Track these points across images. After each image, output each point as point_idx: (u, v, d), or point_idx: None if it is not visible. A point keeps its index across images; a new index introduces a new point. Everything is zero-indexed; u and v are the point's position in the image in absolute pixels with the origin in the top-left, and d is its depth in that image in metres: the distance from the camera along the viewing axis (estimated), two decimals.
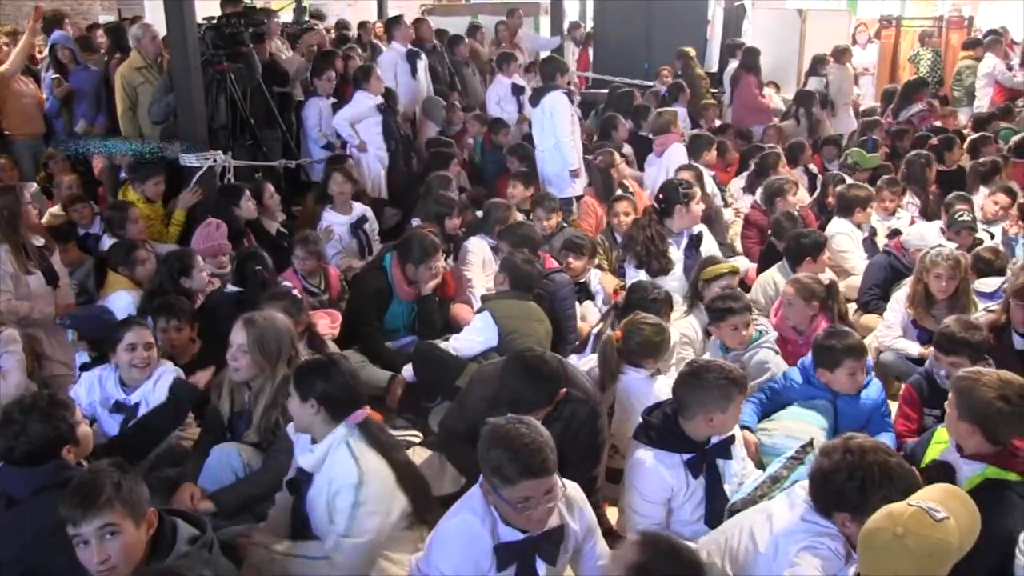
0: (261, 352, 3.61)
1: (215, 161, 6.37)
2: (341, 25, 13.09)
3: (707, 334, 4.78)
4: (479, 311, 4.72)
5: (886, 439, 3.81)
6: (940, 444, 3.38)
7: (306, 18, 11.87)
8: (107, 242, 5.66)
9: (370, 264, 5.65)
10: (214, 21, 7.05)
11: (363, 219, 6.58)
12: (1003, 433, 3.08)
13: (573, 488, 2.96)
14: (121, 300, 4.84)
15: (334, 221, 6.42)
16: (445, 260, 5.86)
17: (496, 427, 2.72)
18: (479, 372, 4.03)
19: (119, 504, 2.41)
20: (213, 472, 3.59)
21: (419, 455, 4.27)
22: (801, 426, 3.98)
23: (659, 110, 8.20)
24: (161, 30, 7.06)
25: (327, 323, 5.13)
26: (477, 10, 14.82)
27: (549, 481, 2.67)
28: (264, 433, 3.66)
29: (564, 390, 3.52)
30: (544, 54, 10.80)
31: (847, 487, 2.67)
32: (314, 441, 3.17)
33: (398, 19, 9.77)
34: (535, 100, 7.73)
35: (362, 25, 12.65)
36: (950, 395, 3.25)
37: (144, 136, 7.05)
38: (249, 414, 3.73)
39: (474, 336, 4.69)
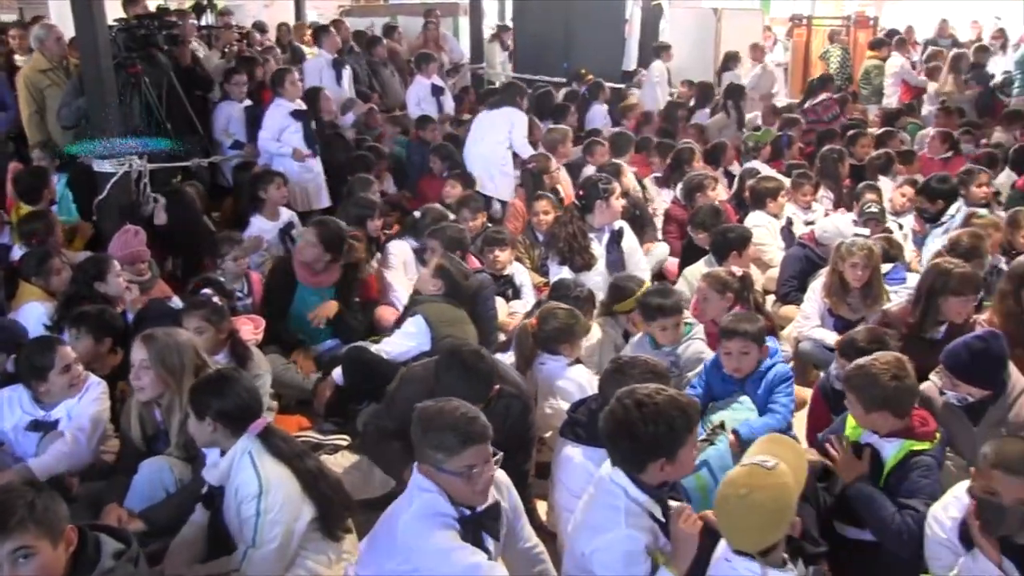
0: (164, 367, 3.54)
1: (131, 166, 6.20)
2: (258, 27, 12.94)
3: (626, 337, 4.85)
4: (412, 314, 4.66)
5: (764, 420, 3.96)
6: (858, 428, 3.49)
7: (207, 16, 11.66)
8: (17, 252, 5.47)
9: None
10: (126, 23, 6.88)
11: (291, 225, 6.49)
12: (906, 405, 3.33)
13: (499, 471, 3.00)
14: (33, 311, 4.66)
15: (263, 227, 6.32)
16: (368, 263, 5.83)
17: (427, 409, 2.81)
18: (409, 372, 4.03)
19: (33, 525, 2.31)
20: (143, 488, 3.49)
21: (347, 458, 4.25)
22: (743, 415, 4.06)
23: (551, 127, 8.25)
24: (67, 31, 6.86)
25: (250, 329, 5.05)
26: (395, 10, 14.77)
27: (488, 449, 2.77)
28: (189, 447, 3.57)
29: (498, 386, 3.57)
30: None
31: (659, 433, 2.77)
32: (222, 454, 3.18)
33: (326, 27, 9.69)
34: (494, 105, 7.83)
35: (279, 27, 12.51)
36: (848, 396, 3.43)
37: (55, 141, 6.85)
38: (165, 433, 3.65)
39: (406, 340, 4.64)
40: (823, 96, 10.55)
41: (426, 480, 2.81)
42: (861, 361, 3.46)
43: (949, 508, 3.04)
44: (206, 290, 4.59)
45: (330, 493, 3.28)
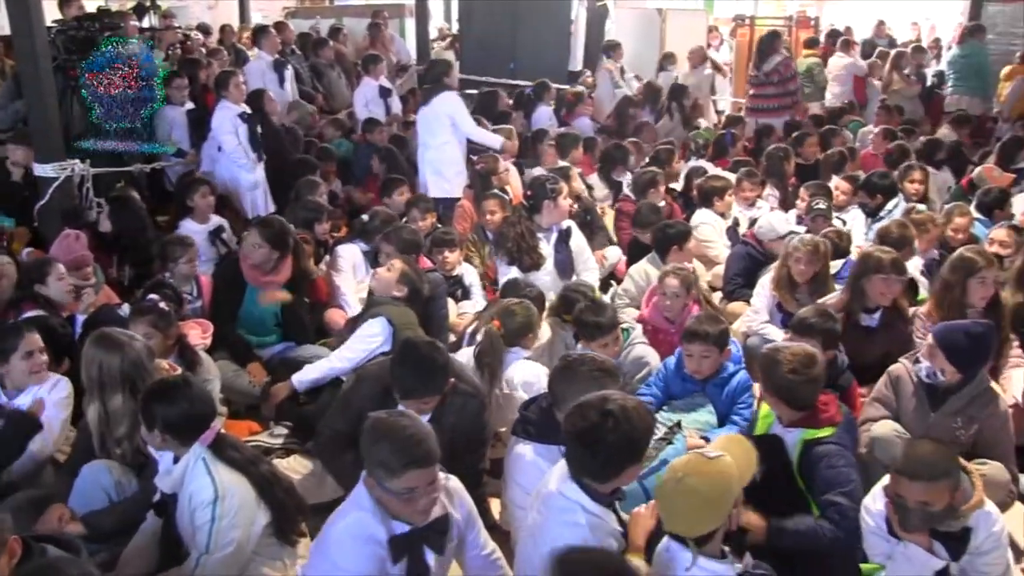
0: (87, 378, 3.57)
1: (72, 171, 6.09)
2: (202, 29, 12.79)
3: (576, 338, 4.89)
4: (373, 316, 4.61)
5: (730, 430, 4.01)
6: (768, 418, 3.62)
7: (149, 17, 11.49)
8: None
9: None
10: (64, 24, 6.76)
11: (220, 228, 6.43)
12: (802, 399, 3.43)
13: (452, 479, 3.00)
14: None
15: (192, 230, 6.24)
16: (316, 265, 5.80)
17: (379, 420, 2.75)
18: (363, 370, 4.02)
19: None
20: (83, 492, 3.47)
21: (300, 462, 4.23)
22: (704, 418, 4.15)
23: (497, 127, 8.27)
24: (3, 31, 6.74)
25: (198, 333, 4.99)
26: (341, 12, 14.70)
27: (432, 471, 2.71)
28: (136, 455, 3.55)
29: (453, 380, 3.58)
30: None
31: (631, 441, 2.81)
32: (176, 460, 3.15)
33: (265, 28, 9.60)
34: (425, 99, 7.73)
35: (223, 29, 12.38)
36: (759, 372, 3.56)
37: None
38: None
39: (366, 344, 4.54)
40: (778, 57, 10.44)
41: (366, 494, 2.78)
42: (773, 346, 3.62)
43: (877, 500, 3.15)
44: (153, 295, 4.54)
45: (284, 498, 3.26)
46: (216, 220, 6.47)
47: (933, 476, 2.90)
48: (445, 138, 7.43)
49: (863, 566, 3.16)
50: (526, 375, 4.20)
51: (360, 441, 2.77)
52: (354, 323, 4.80)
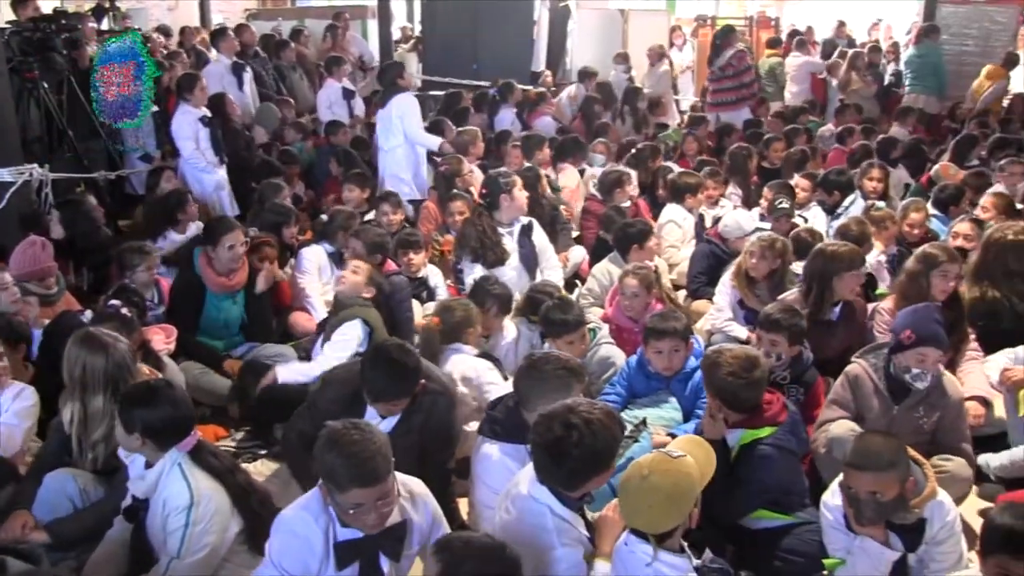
0: (67, 375, 3.52)
1: (31, 175, 6.01)
2: (162, 31, 12.66)
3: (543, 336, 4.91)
4: (347, 318, 4.61)
5: (695, 425, 4.00)
6: None
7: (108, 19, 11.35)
8: None
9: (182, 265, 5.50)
10: (19, 25, 6.66)
11: (199, 236, 6.37)
12: (743, 401, 3.48)
13: (416, 483, 2.99)
14: None
15: (175, 240, 6.19)
16: (283, 268, 5.77)
17: (332, 432, 2.69)
18: (331, 374, 4.00)
19: None
20: (47, 501, 3.41)
21: (267, 466, 4.21)
22: (669, 414, 4.16)
23: (461, 129, 8.26)
24: None
25: (161, 338, 4.95)
26: (303, 13, 14.62)
27: (382, 488, 2.65)
28: (107, 462, 3.52)
29: (423, 382, 3.58)
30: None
31: (593, 456, 2.83)
32: (148, 465, 3.12)
33: (223, 30, 9.52)
34: (381, 102, 7.74)
35: (183, 31, 12.26)
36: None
37: None
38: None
39: (343, 349, 4.51)
40: (731, 51, 10.58)
41: (319, 497, 2.76)
42: (716, 347, 3.68)
43: (835, 496, 3.21)
44: (114, 301, 4.48)
45: (259, 508, 3.23)
46: (194, 228, 6.42)
47: (880, 467, 2.96)
48: (398, 140, 7.48)
49: (824, 560, 3.22)
50: (464, 370, 4.23)
51: (314, 449, 2.73)
52: (323, 327, 4.78)
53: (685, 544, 2.80)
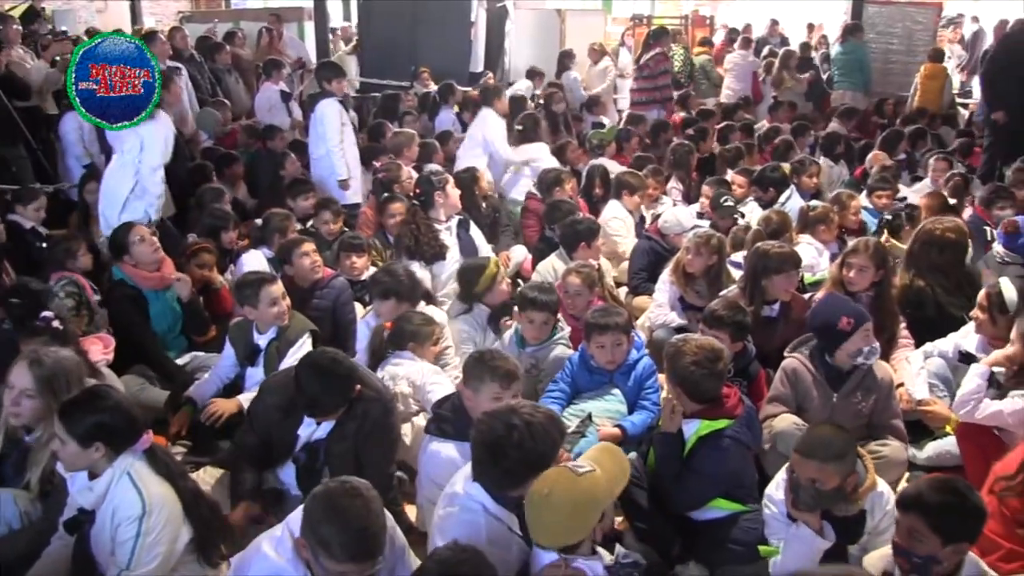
0: (53, 395, 3.32)
1: None
2: (91, 34, 12.35)
3: (496, 330, 4.94)
4: (297, 334, 4.49)
5: (641, 416, 4.12)
6: None
7: (42, 22, 11.09)
8: None
9: (108, 287, 5.29)
10: None
11: None
12: (704, 391, 3.51)
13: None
14: None
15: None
16: (222, 275, 5.69)
17: (331, 496, 2.58)
18: (267, 383, 3.97)
19: None
20: None
21: (211, 474, 4.15)
22: (614, 406, 4.20)
23: (397, 131, 8.25)
24: None
25: (99, 349, 4.85)
26: (238, 16, 14.44)
27: (373, 564, 2.59)
28: (44, 482, 3.41)
29: (358, 387, 3.57)
30: None
31: (535, 455, 2.85)
32: (91, 476, 3.03)
33: (153, 34, 9.34)
34: (311, 106, 7.64)
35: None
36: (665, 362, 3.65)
37: None
38: (19, 457, 3.46)
39: None
40: (655, 51, 10.71)
41: (293, 553, 2.65)
42: (681, 336, 3.71)
43: (779, 488, 3.27)
44: (46, 313, 4.37)
45: (209, 516, 3.18)
46: None
47: (826, 457, 3.04)
48: (324, 148, 7.35)
49: (761, 548, 3.29)
50: (408, 373, 4.21)
51: (306, 507, 2.64)
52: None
53: (595, 544, 2.79)
